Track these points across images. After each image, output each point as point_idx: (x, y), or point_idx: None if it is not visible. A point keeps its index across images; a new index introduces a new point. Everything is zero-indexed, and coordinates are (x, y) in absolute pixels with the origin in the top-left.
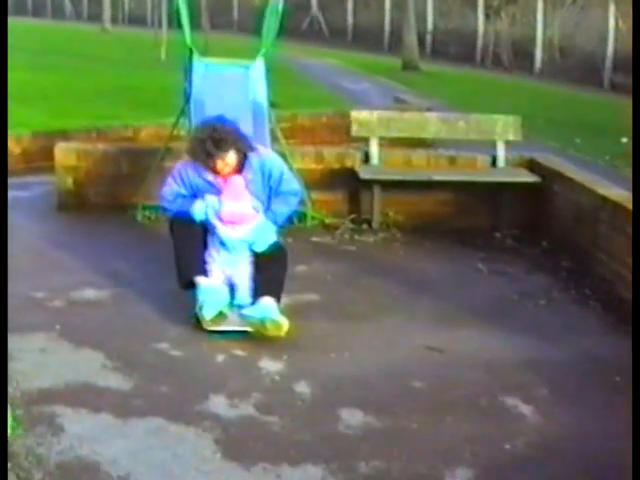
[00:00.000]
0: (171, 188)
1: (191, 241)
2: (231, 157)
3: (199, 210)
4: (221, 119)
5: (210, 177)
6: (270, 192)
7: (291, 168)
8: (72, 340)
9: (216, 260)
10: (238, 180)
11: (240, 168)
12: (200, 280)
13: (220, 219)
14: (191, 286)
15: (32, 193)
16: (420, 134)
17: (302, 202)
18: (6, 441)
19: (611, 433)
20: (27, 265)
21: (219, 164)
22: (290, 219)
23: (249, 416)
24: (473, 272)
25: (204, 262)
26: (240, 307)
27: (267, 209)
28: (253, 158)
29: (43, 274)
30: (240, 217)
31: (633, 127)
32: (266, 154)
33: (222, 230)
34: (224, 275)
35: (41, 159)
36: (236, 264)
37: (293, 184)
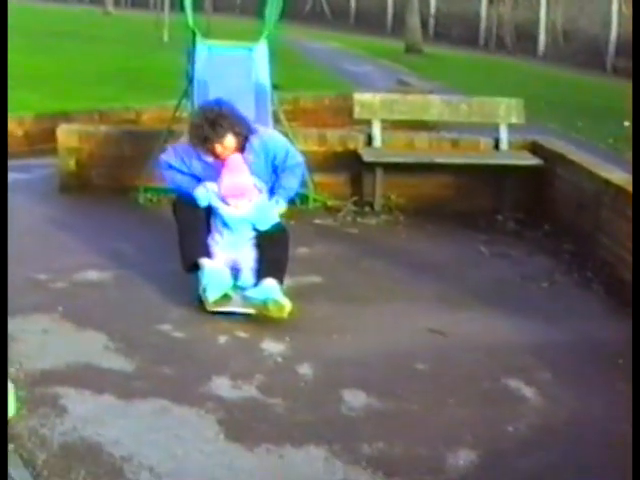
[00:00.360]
0: (169, 157)
1: (195, 223)
2: (229, 140)
3: (202, 196)
4: (218, 102)
5: (210, 159)
6: (276, 171)
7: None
8: (75, 321)
9: (219, 243)
10: (235, 157)
11: (241, 151)
12: (204, 262)
13: (221, 198)
14: (194, 268)
15: (34, 175)
16: (423, 117)
17: (304, 184)
18: (6, 433)
19: (614, 415)
20: (29, 247)
21: (218, 148)
22: (293, 200)
23: (252, 397)
24: (475, 255)
25: (208, 244)
26: (243, 289)
27: (277, 187)
28: (254, 140)
29: (45, 256)
30: (240, 189)
31: (633, 110)
32: (267, 134)
33: (225, 209)
34: (228, 258)
35: (43, 141)
36: (240, 247)
37: (298, 157)
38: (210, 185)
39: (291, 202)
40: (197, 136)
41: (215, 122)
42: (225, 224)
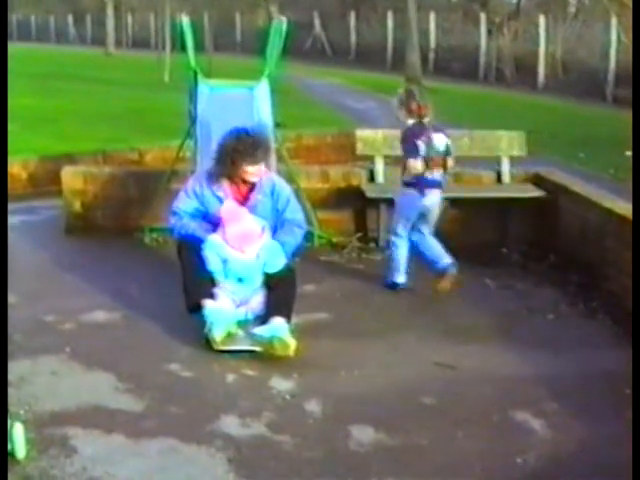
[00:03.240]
0: (184, 202)
1: (198, 265)
2: (263, 167)
3: (214, 264)
4: (252, 129)
5: (222, 194)
6: (277, 216)
7: (297, 188)
8: (83, 362)
9: (229, 292)
10: (230, 204)
11: (251, 186)
12: (207, 303)
13: (229, 245)
14: (198, 309)
15: (40, 217)
16: None
17: (309, 222)
18: (6, 435)
19: (622, 445)
20: (37, 289)
21: (256, 168)
22: (294, 254)
23: (261, 435)
24: (481, 288)
25: (212, 285)
26: (250, 326)
27: (274, 237)
28: (265, 179)
29: (53, 297)
30: (247, 235)
31: (633, 140)
32: (277, 177)
33: (235, 255)
34: (233, 302)
35: (48, 183)
36: (250, 296)
37: (298, 214)
38: (215, 238)
39: (300, 246)
40: (239, 154)
41: (257, 144)
42: (236, 277)
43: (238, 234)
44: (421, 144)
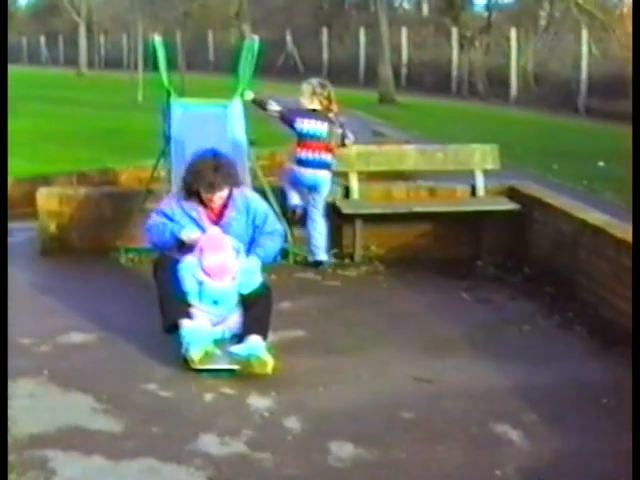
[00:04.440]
0: (155, 220)
1: (174, 285)
2: (226, 191)
3: (190, 285)
4: (215, 152)
5: (194, 214)
6: (254, 232)
7: (272, 206)
8: (60, 384)
9: (205, 317)
10: (215, 231)
11: (224, 206)
12: (184, 323)
13: (205, 273)
14: (175, 329)
15: (15, 239)
16: (399, 167)
17: (285, 239)
18: (6, 436)
19: (600, 454)
20: (13, 311)
21: (216, 196)
22: (274, 258)
23: (240, 453)
24: (457, 301)
25: (188, 305)
26: (227, 344)
27: (254, 246)
28: (238, 196)
29: (29, 320)
30: (225, 269)
31: (633, 156)
32: (250, 193)
33: (210, 284)
34: (210, 321)
35: (23, 205)
36: (226, 317)
37: (277, 224)
38: (191, 260)
39: (273, 259)
40: (198, 182)
41: (219, 169)
42: (211, 299)
43: (217, 264)
44: (302, 122)
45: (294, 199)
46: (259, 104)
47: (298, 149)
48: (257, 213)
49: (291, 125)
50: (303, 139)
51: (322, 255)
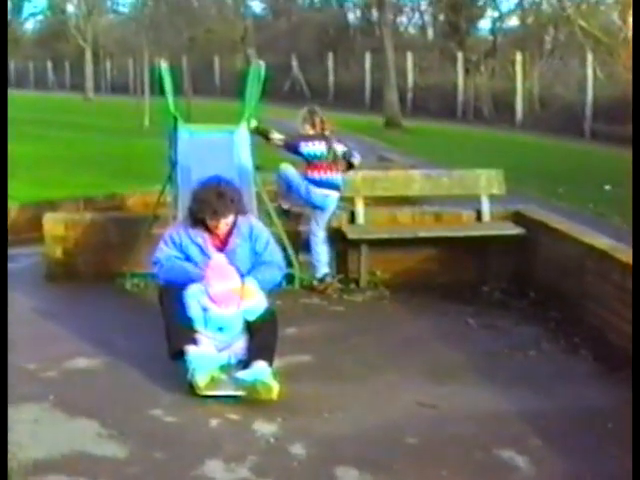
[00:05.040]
0: (163, 252)
1: (180, 311)
2: (231, 218)
3: (195, 312)
4: (219, 179)
5: (200, 240)
6: (255, 258)
7: (278, 230)
8: (66, 410)
9: (211, 343)
10: (221, 259)
11: (230, 230)
12: (190, 349)
13: (212, 300)
14: (181, 355)
15: (21, 264)
16: (404, 192)
17: (290, 264)
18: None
19: (606, 479)
20: (18, 336)
21: (221, 223)
22: (279, 283)
23: (246, 479)
24: (462, 327)
25: (194, 331)
26: (233, 370)
27: (253, 274)
28: (242, 223)
29: (35, 345)
30: (232, 296)
31: (633, 179)
32: (255, 220)
33: (216, 311)
34: (216, 347)
35: (29, 230)
36: (232, 344)
37: (277, 255)
38: (197, 286)
39: (278, 283)
40: (202, 210)
41: (223, 197)
42: (216, 326)
43: (223, 292)
44: (306, 146)
45: (284, 204)
46: (261, 134)
47: (309, 171)
48: (259, 239)
49: (296, 151)
50: (311, 161)
51: (324, 269)
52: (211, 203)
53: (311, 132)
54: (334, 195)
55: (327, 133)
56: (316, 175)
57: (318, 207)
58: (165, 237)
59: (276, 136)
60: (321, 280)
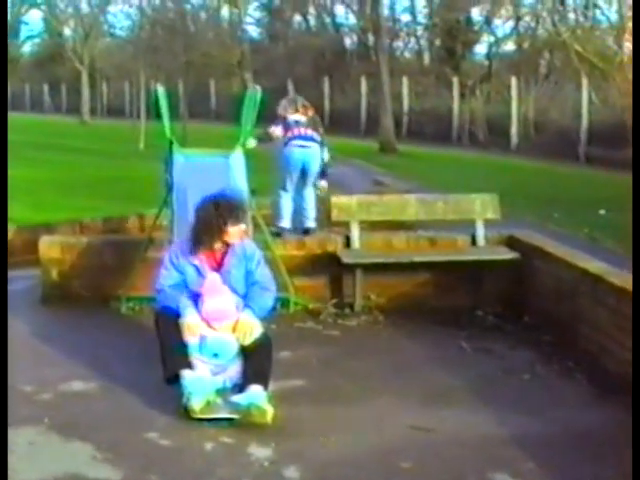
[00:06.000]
0: (165, 277)
1: (175, 335)
2: (244, 227)
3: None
4: (231, 191)
5: (197, 262)
6: (247, 277)
7: (274, 255)
8: (61, 433)
9: (205, 364)
10: (214, 277)
11: (225, 251)
12: (185, 373)
13: (205, 318)
14: (176, 380)
15: (16, 287)
16: (400, 217)
17: (286, 289)
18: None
19: None
20: (14, 359)
21: (238, 229)
22: (274, 307)
23: None
24: (457, 351)
25: (189, 356)
26: (226, 390)
27: (248, 301)
28: (237, 244)
29: (30, 368)
30: (223, 313)
31: (633, 203)
32: (247, 240)
33: (212, 335)
34: (211, 371)
35: (25, 253)
36: (227, 369)
37: (267, 276)
38: (193, 312)
39: (272, 308)
40: (222, 215)
41: (236, 206)
42: (211, 352)
43: (215, 308)
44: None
45: (284, 222)
46: (263, 138)
47: (288, 134)
48: (251, 257)
49: (289, 124)
50: (290, 127)
51: (310, 223)
52: (231, 209)
53: (297, 116)
54: (313, 149)
55: (309, 118)
56: (291, 134)
57: (302, 169)
58: (164, 261)
59: (274, 130)
60: (305, 232)
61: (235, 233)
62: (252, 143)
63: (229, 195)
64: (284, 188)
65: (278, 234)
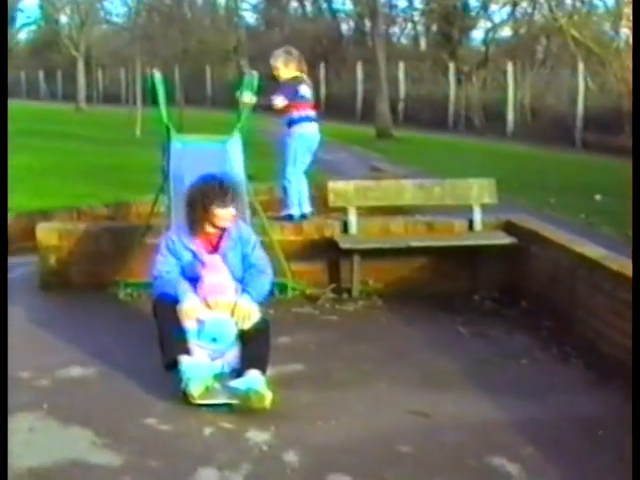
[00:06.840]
0: (162, 263)
1: (174, 321)
2: (234, 210)
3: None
4: (225, 174)
5: (193, 246)
6: (244, 260)
7: (271, 240)
8: (60, 418)
9: (203, 350)
10: (215, 257)
11: (221, 234)
12: (184, 359)
13: (204, 293)
14: (175, 365)
15: (14, 274)
16: (397, 202)
17: (283, 274)
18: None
19: None
20: (12, 345)
21: (227, 212)
22: (271, 292)
23: None
24: (454, 336)
25: (187, 341)
26: (226, 379)
27: (245, 285)
28: (232, 227)
29: (29, 354)
30: (220, 288)
31: (633, 189)
32: (242, 224)
33: (210, 316)
34: (209, 356)
35: (23, 240)
36: (225, 353)
37: (263, 259)
38: (192, 297)
39: (270, 292)
40: (207, 196)
41: (229, 187)
42: (210, 337)
43: (213, 284)
44: (303, 90)
45: (294, 209)
46: (262, 107)
47: (295, 111)
48: (247, 241)
49: (296, 95)
50: (298, 101)
51: (307, 208)
52: (218, 192)
53: (296, 73)
54: (317, 130)
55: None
56: (302, 113)
57: (308, 148)
58: (160, 247)
59: (276, 100)
60: (290, 217)
61: (224, 216)
62: (248, 97)
63: (217, 177)
64: (293, 173)
65: (290, 217)
